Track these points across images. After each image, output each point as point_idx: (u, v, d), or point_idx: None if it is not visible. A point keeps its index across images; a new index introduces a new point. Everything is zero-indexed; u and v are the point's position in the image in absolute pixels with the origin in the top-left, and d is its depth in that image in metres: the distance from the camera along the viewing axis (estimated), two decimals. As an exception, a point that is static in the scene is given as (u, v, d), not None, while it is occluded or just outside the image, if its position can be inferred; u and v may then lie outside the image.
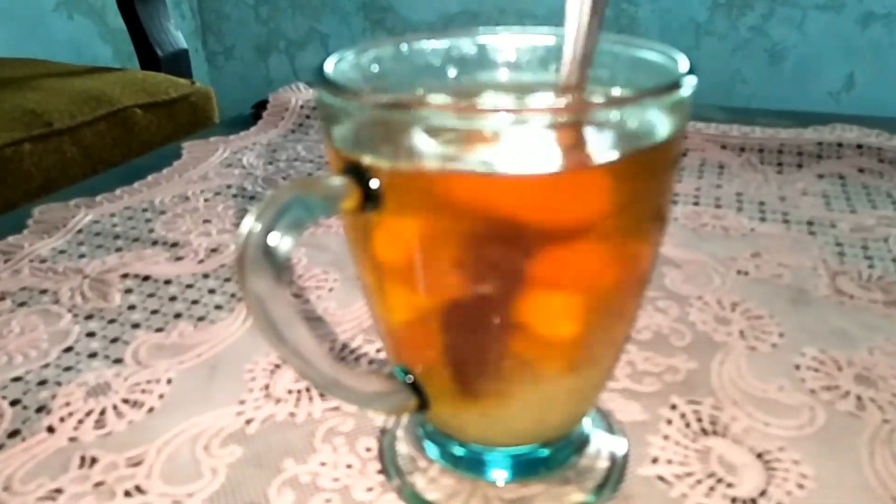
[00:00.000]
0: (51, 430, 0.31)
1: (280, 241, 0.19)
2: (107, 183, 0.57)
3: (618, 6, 1.75)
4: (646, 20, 1.76)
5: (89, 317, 0.39)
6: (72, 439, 0.30)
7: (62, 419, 0.31)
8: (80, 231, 0.50)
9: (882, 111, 0.80)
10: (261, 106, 0.74)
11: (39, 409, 0.32)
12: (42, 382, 0.34)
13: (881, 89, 1.64)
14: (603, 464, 0.28)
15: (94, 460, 0.29)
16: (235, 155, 0.64)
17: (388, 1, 1.97)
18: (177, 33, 1.23)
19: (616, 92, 0.24)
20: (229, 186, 0.57)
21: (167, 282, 0.43)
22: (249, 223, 0.19)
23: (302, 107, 0.73)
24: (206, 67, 2.24)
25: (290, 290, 0.41)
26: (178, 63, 1.21)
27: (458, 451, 0.27)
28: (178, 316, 0.39)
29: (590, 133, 0.20)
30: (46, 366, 0.35)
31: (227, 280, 0.43)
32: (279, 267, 0.19)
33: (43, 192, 0.80)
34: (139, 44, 1.19)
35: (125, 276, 0.43)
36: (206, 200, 0.55)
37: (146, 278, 0.43)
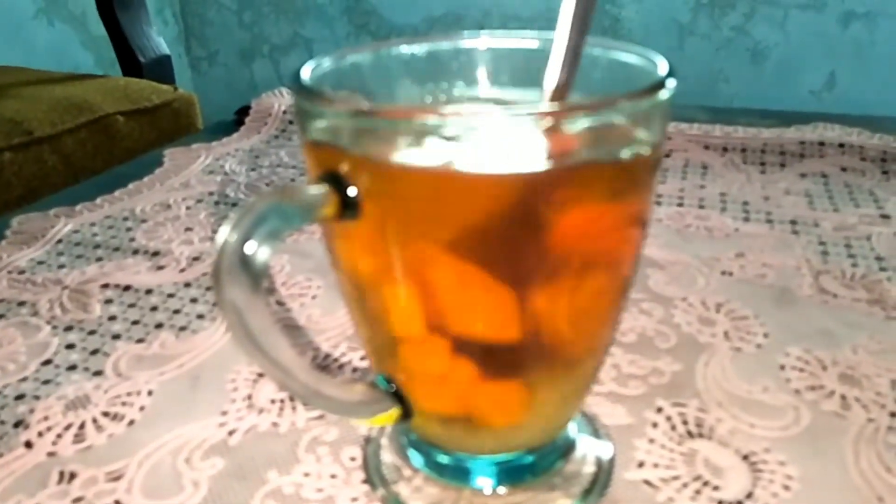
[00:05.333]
0: (29, 445, 0.30)
1: (257, 250, 0.18)
2: (87, 191, 0.57)
3: (601, 7, 1.76)
4: (629, 21, 1.76)
5: (69, 328, 0.39)
6: (50, 454, 0.30)
7: (40, 434, 0.31)
8: (59, 241, 0.49)
9: (863, 109, 0.81)
10: (243, 112, 0.74)
11: (17, 424, 0.32)
12: (20, 396, 0.33)
13: (862, 87, 1.65)
14: (589, 469, 0.28)
15: (73, 475, 0.29)
16: (218, 161, 0.63)
17: (373, 4, 1.97)
18: (159, 39, 1.22)
19: (594, 96, 0.24)
20: (211, 193, 0.57)
21: (148, 291, 0.42)
22: (226, 232, 0.18)
23: (285, 112, 0.72)
24: (190, 73, 2.23)
25: (270, 299, 0.41)
26: (161, 69, 1.20)
27: (443, 459, 0.27)
28: (159, 326, 0.39)
29: (568, 137, 0.19)
30: (24, 379, 0.35)
31: (210, 289, 0.42)
32: (256, 276, 0.19)
33: (23, 202, 0.79)
34: (121, 50, 1.18)
35: (105, 286, 0.43)
36: (187, 208, 0.54)
37: (127, 288, 0.43)
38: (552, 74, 0.22)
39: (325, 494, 0.27)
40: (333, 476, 0.28)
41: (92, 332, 0.38)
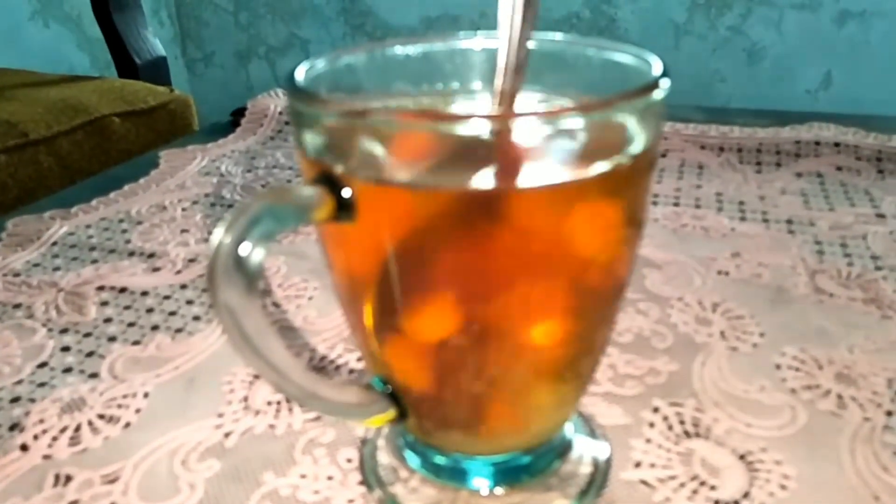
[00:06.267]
0: (24, 448, 0.30)
1: (251, 251, 0.18)
2: (82, 194, 0.56)
3: (597, 8, 1.76)
4: (625, 21, 1.76)
5: (64, 331, 0.39)
6: (46, 457, 0.30)
7: (36, 437, 0.31)
8: (54, 243, 0.49)
9: (859, 108, 0.81)
10: (239, 113, 0.73)
11: (12, 427, 0.32)
12: (15, 399, 0.33)
13: (858, 86, 1.65)
14: (586, 469, 0.28)
15: (68, 478, 0.29)
16: (213, 163, 0.63)
17: (369, 5, 1.97)
18: (155, 41, 1.22)
19: (587, 97, 0.24)
20: (207, 195, 0.56)
21: (144, 293, 0.42)
22: (220, 234, 0.18)
23: (281, 113, 0.72)
24: (186, 75, 2.22)
25: (266, 301, 0.41)
26: (157, 71, 1.20)
27: (440, 460, 0.27)
28: (155, 328, 0.39)
29: (561, 140, 0.19)
30: (20, 382, 0.34)
31: (206, 290, 0.42)
32: (251, 278, 0.19)
33: (19, 204, 0.79)
34: (116, 52, 1.17)
35: (101, 288, 0.43)
36: (183, 210, 0.54)
37: (122, 290, 0.42)
38: (501, 79, 0.22)
39: (321, 496, 0.27)
40: (330, 478, 0.28)
41: (87, 335, 0.38)
